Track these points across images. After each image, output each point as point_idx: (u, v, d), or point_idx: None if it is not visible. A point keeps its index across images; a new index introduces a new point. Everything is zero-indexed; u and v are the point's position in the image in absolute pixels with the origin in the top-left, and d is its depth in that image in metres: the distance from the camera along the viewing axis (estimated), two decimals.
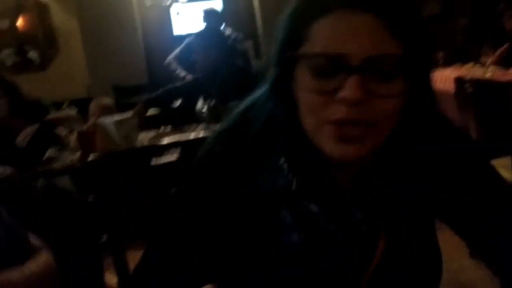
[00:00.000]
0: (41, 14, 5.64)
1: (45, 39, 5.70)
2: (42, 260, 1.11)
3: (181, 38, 5.06)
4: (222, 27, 4.13)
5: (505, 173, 2.36)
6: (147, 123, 3.27)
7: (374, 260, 0.77)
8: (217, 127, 0.87)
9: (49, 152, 2.61)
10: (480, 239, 0.79)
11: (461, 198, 0.77)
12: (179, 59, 4.32)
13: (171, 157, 2.38)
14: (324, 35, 0.67)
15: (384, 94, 0.65)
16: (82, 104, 3.38)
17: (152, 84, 5.30)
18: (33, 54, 5.69)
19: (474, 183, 0.78)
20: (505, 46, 3.87)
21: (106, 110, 3.06)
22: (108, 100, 3.32)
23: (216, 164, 0.78)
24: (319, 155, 0.71)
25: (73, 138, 2.63)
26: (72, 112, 3.22)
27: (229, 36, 3.77)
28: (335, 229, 0.74)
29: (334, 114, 0.66)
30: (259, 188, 0.75)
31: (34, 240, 1.14)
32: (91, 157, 2.21)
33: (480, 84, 2.71)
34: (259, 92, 0.80)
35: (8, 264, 1.02)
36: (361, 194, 0.75)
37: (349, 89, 0.64)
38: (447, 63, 4.35)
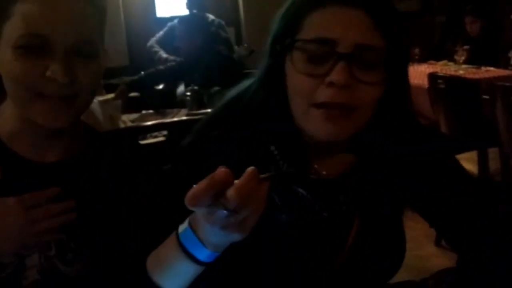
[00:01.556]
0: None
1: None
2: None
3: (164, 20, 5.04)
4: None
5: (469, 166, 2.50)
6: (128, 106, 3.29)
7: (349, 239, 0.85)
8: (203, 111, 0.91)
9: None
10: (446, 227, 0.89)
11: (430, 190, 0.86)
12: (162, 42, 4.32)
13: (158, 138, 2.43)
14: (318, 25, 0.75)
15: (367, 81, 0.74)
16: None
17: (133, 67, 5.28)
18: None
19: (442, 178, 0.87)
20: (465, 47, 4.03)
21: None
22: None
23: (214, 147, 0.82)
24: (306, 143, 0.79)
25: None
26: None
27: (212, 23, 3.80)
28: (319, 209, 0.82)
29: (321, 96, 0.74)
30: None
31: None
32: None
33: (451, 80, 2.83)
34: (249, 81, 0.87)
35: None
36: (344, 179, 0.84)
37: (336, 74, 0.72)
38: (422, 59, 4.49)
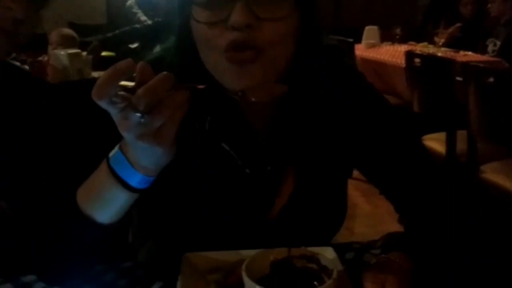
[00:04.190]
0: None
1: None
2: None
3: None
4: None
5: (437, 146, 2.53)
6: (100, 64, 3.21)
7: (280, 197, 0.84)
8: None
9: None
10: (381, 178, 0.90)
11: (364, 140, 0.86)
12: (142, 3, 4.22)
13: None
14: None
15: (272, 17, 0.70)
16: (35, 41, 3.24)
17: (110, 26, 5.16)
18: None
19: (375, 127, 0.87)
20: (457, 25, 4.03)
21: (68, 41, 2.99)
22: (70, 32, 3.22)
23: None
24: (227, 95, 0.76)
25: (25, 68, 2.56)
26: None
27: None
28: (242, 165, 0.81)
29: (225, 40, 0.70)
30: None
31: None
32: None
33: (428, 59, 2.82)
34: (169, 42, 0.83)
35: None
36: (269, 136, 0.82)
37: (235, 15, 0.68)
38: (403, 39, 4.49)
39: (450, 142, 2.42)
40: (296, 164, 0.84)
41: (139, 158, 0.64)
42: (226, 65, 0.72)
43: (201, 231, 0.83)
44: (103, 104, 0.58)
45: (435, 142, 2.59)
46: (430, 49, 3.95)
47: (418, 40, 4.38)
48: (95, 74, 2.91)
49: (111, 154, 0.67)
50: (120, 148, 0.66)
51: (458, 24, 4.06)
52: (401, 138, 0.89)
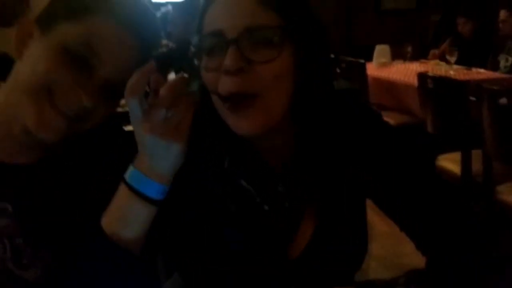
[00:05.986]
0: None
1: None
2: None
3: (159, 5, 4.99)
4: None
5: (453, 167, 2.52)
6: None
7: (300, 235, 0.85)
8: None
9: None
10: (401, 216, 0.90)
11: (383, 178, 0.87)
12: None
13: None
14: (209, 20, 0.78)
15: (263, 60, 0.73)
16: None
17: None
18: None
19: (393, 164, 0.87)
20: (447, 42, 4.12)
21: None
22: None
23: None
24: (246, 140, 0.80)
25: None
26: None
27: None
28: (261, 202, 0.83)
29: (221, 87, 0.74)
30: (200, 165, 0.82)
31: None
32: None
33: (440, 81, 2.84)
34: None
35: None
36: (287, 173, 0.84)
37: (227, 59, 0.72)
38: (415, 57, 4.50)
39: (465, 164, 2.42)
40: (315, 201, 0.86)
41: (156, 165, 0.73)
42: (227, 112, 0.76)
43: (222, 269, 0.85)
44: (133, 102, 0.69)
45: (449, 162, 2.59)
46: (442, 67, 3.96)
47: (430, 58, 4.40)
48: None
49: (126, 174, 0.74)
50: (134, 166, 0.74)
51: (448, 41, 4.15)
52: (417, 175, 0.89)
